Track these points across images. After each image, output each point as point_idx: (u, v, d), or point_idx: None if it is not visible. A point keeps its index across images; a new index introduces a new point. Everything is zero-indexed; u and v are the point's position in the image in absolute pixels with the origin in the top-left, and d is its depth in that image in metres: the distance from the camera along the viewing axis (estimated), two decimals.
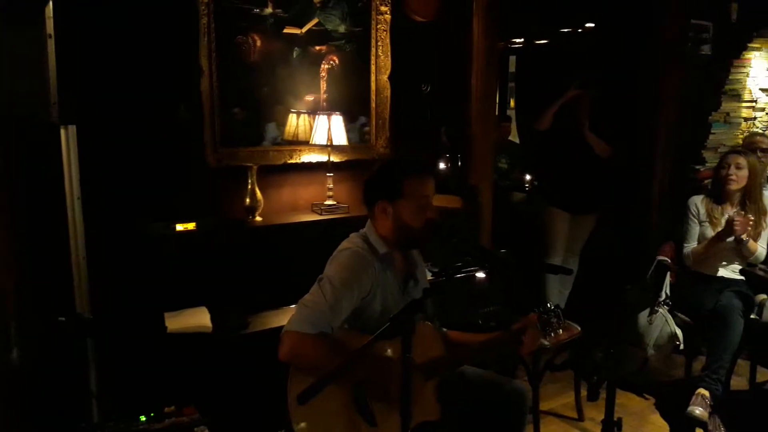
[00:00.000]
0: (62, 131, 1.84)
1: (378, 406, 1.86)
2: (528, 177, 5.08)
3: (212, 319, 2.40)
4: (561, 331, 2.08)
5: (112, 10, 2.42)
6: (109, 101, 2.41)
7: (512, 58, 6.75)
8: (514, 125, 6.21)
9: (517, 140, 5.99)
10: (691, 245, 3.44)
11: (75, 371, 1.98)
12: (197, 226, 2.52)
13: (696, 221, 3.44)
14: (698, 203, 3.46)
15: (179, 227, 2.48)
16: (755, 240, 3.30)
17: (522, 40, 6.13)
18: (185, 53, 2.62)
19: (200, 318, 2.39)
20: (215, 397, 1.98)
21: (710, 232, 3.36)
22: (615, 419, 2.05)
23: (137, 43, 2.50)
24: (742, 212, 3.24)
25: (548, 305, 2.07)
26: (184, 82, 2.64)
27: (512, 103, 6.92)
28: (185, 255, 2.48)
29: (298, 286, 2.00)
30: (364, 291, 1.96)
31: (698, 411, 2.97)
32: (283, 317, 2.53)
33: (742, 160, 3.30)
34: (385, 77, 3.19)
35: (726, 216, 3.30)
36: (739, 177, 3.30)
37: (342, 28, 3.07)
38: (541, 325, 2.04)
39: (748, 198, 3.33)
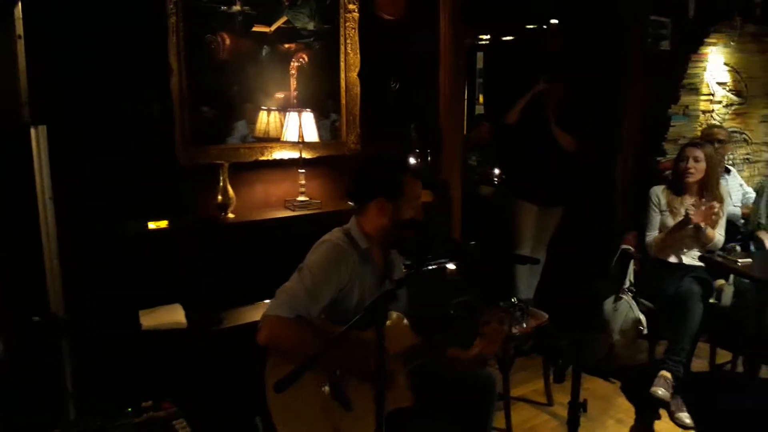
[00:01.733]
0: (33, 132, 1.84)
1: (353, 392, 1.91)
2: (497, 171, 5.17)
3: (186, 316, 2.42)
4: (525, 324, 2.15)
5: (82, 10, 2.41)
6: (80, 101, 2.41)
7: (479, 55, 6.81)
8: None
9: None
10: (653, 234, 3.56)
11: (50, 370, 1.98)
12: (170, 224, 2.54)
13: (657, 211, 3.56)
14: (659, 194, 3.58)
15: (152, 225, 2.49)
16: (713, 228, 3.43)
17: (488, 36, 6.21)
18: (154, 52, 2.63)
19: (174, 315, 2.41)
20: (192, 392, 2.00)
21: (671, 221, 3.49)
22: (581, 401, 2.14)
23: (106, 43, 2.50)
24: (702, 200, 3.37)
25: (512, 300, 2.13)
26: (154, 81, 2.64)
27: (481, 99, 6.98)
28: (158, 253, 2.49)
29: (271, 282, 2.03)
30: (342, 282, 2.00)
31: (660, 392, 3.09)
32: (257, 313, 2.54)
33: (699, 153, 3.43)
34: (354, 74, 3.23)
35: (685, 205, 3.43)
36: (697, 169, 3.43)
37: (311, 26, 3.09)
38: (506, 319, 2.10)
39: (706, 188, 3.46)
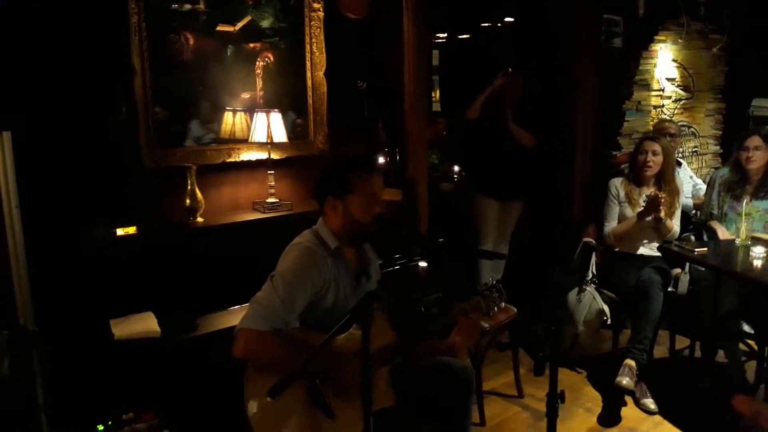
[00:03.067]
0: None
1: (334, 399, 1.90)
2: (456, 168, 5.23)
3: (160, 324, 2.36)
4: (504, 304, 2.17)
5: (43, 12, 2.32)
6: (42, 105, 2.32)
7: (435, 53, 6.87)
8: None
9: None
10: (611, 225, 3.67)
11: (21, 385, 1.90)
12: (138, 229, 2.46)
13: (616, 202, 3.67)
14: (618, 185, 3.69)
15: (120, 232, 2.41)
16: (670, 218, 3.57)
17: (445, 34, 6.27)
18: (116, 53, 2.54)
19: (147, 323, 2.34)
20: (172, 402, 1.95)
21: (629, 212, 3.60)
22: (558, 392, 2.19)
23: (67, 46, 2.41)
24: (662, 194, 3.48)
25: (490, 280, 2.16)
26: (117, 83, 2.56)
27: (436, 96, 7.03)
28: (128, 260, 2.42)
29: (244, 286, 2.01)
30: (317, 286, 1.99)
31: (625, 381, 3.18)
32: (231, 318, 2.52)
33: (657, 147, 3.56)
34: (320, 74, 3.21)
35: (644, 196, 3.55)
36: (655, 162, 3.55)
37: (275, 25, 3.06)
38: (485, 304, 2.13)
39: (663, 180, 3.59)
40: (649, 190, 3.57)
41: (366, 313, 1.64)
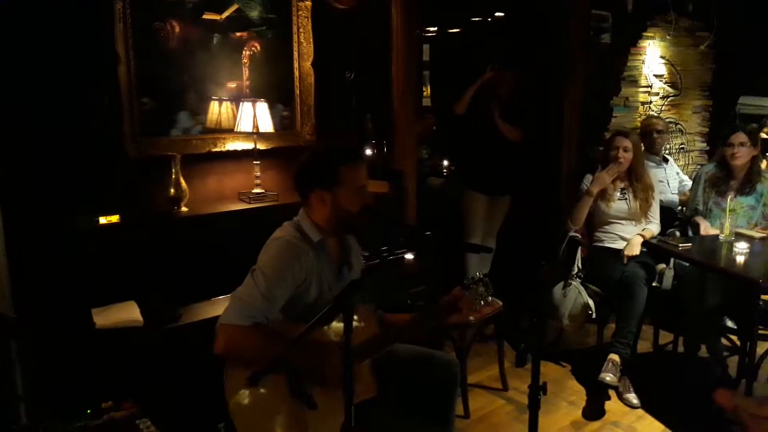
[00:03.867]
0: None
1: (316, 389, 1.89)
2: (446, 163, 5.24)
3: (142, 313, 2.34)
4: (490, 298, 2.17)
5: None
6: (23, 89, 2.29)
7: (425, 47, 6.85)
8: None
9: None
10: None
11: None
12: (121, 218, 2.44)
13: None
14: (589, 180, 3.71)
15: (103, 220, 2.39)
16: (645, 215, 3.61)
17: (435, 28, 6.26)
18: (100, 39, 2.51)
19: (129, 312, 2.32)
20: (153, 391, 1.93)
21: (603, 206, 3.63)
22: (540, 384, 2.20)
23: (50, 30, 2.37)
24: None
25: (477, 274, 2.16)
26: (101, 70, 2.53)
27: (426, 91, 7.02)
28: (110, 249, 2.40)
29: (228, 276, 2.00)
30: (298, 280, 1.97)
31: (609, 377, 3.20)
32: (214, 308, 2.50)
33: (628, 143, 3.58)
34: (308, 64, 3.18)
35: (618, 192, 3.60)
36: (626, 158, 3.58)
37: (263, 14, 3.03)
38: (469, 295, 2.12)
39: (635, 176, 3.62)
40: (621, 184, 3.60)
41: (349, 303, 1.63)
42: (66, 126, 2.42)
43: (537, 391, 2.12)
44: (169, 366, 2.21)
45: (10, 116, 2.15)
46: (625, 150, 3.57)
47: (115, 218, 2.41)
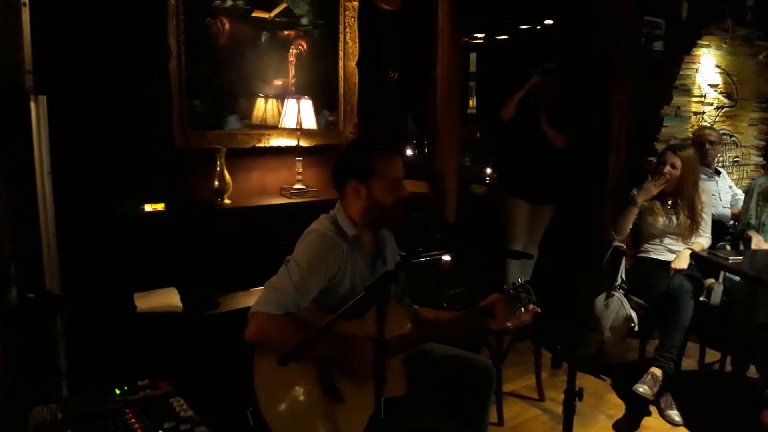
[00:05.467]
0: (32, 103, 1.81)
1: (345, 383, 1.89)
2: (489, 171, 5.21)
3: (182, 299, 2.40)
4: (531, 306, 2.13)
5: None
6: (80, 76, 2.37)
7: (473, 57, 6.83)
8: None
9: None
10: None
11: (44, 348, 1.95)
12: (166, 206, 2.51)
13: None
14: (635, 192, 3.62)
15: (148, 208, 2.46)
16: (693, 232, 3.49)
17: (483, 35, 6.24)
18: (154, 34, 2.61)
19: (170, 298, 2.38)
20: (188, 373, 1.97)
21: (650, 220, 3.53)
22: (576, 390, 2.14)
23: (108, 22, 2.47)
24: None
25: (519, 280, 2.13)
26: (153, 63, 2.62)
27: (472, 103, 6.98)
28: (154, 236, 2.47)
29: (267, 268, 2.01)
30: (332, 272, 1.97)
31: (642, 389, 3.10)
32: (252, 298, 2.51)
33: (678, 161, 3.45)
34: (353, 63, 3.22)
35: (666, 207, 3.50)
36: (672, 175, 3.46)
37: (310, 14, 3.09)
38: (510, 301, 2.10)
39: (681, 195, 3.49)
40: (669, 200, 3.49)
41: (382, 293, 1.63)
42: (118, 116, 2.51)
43: (573, 397, 2.07)
44: (205, 351, 2.26)
45: (65, 97, 2.22)
46: (673, 167, 3.46)
47: (160, 206, 2.48)
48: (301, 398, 1.87)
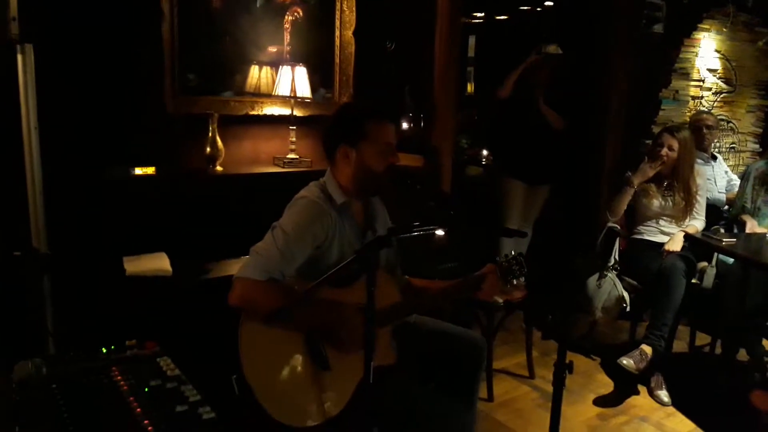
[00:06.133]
0: (19, 53, 1.76)
1: (331, 352, 1.87)
2: (485, 152, 5.18)
3: (172, 265, 2.37)
4: (523, 279, 2.12)
5: None
6: (70, 27, 2.31)
7: (471, 41, 6.75)
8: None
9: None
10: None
11: (31, 307, 1.92)
12: (157, 171, 2.47)
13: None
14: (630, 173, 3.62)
15: (138, 171, 2.42)
16: (688, 215, 3.48)
17: (482, 15, 6.17)
18: None
19: (159, 262, 2.36)
20: (175, 336, 1.95)
21: (645, 203, 3.53)
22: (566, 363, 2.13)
23: None
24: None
25: (511, 252, 2.11)
26: (145, 25, 2.57)
27: (470, 88, 6.91)
28: (144, 200, 2.44)
29: (258, 237, 1.98)
30: (319, 240, 1.94)
31: (626, 362, 3.10)
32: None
33: (675, 143, 3.44)
34: (349, 33, 3.17)
35: (661, 189, 3.49)
36: (669, 157, 3.44)
37: None
38: (502, 273, 2.08)
39: (677, 177, 3.48)
40: (663, 184, 3.48)
41: (371, 258, 1.61)
42: (108, 76, 2.46)
43: (563, 369, 2.06)
44: (194, 316, 2.23)
45: (54, 49, 2.17)
46: (670, 149, 3.44)
47: (150, 170, 2.44)
48: (287, 365, 1.85)
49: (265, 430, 1.81)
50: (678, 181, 3.48)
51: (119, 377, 1.57)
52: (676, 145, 3.44)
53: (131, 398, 1.47)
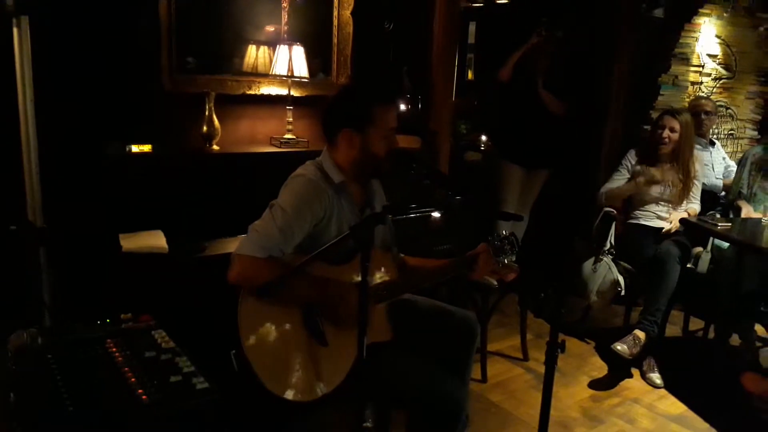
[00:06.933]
0: (14, 26, 1.75)
1: (328, 328, 1.89)
2: (484, 138, 5.16)
3: (168, 243, 2.38)
4: (514, 258, 2.13)
5: None
6: (67, 2, 2.30)
7: (472, 28, 6.69)
8: None
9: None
10: (609, 186, 3.64)
11: (27, 280, 1.93)
12: (153, 149, 2.47)
13: (626, 171, 3.62)
14: (632, 156, 3.61)
15: (135, 148, 2.42)
16: (684, 200, 3.50)
17: (482, 3, 6.13)
18: None
19: (156, 239, 2.36)
20: (171, 312, 1.96)
21: (644, 189, 3.53)
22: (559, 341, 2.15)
23: None
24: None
25: (504, 232, 2.12)
26: (142, 1, 2.55)
27: (470, 75, 6.87)
28: (140, 178, 2.44)
29: (254, 216, 1.99)
30: (317, 218, 1.94)
31: (620, 347, 3.12)
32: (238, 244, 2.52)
33: (676, 124, 3.44)
34: (347, 12, 3.15)
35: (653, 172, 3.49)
36: (671, 139, 3.45)
37: None
38: (495, 251, 2.09)
39: (677, 160, 3.48)
40: (663, 166, 3.48)
41: (366, 234, 1.61)
42: (105, 51, 2.45)
43: (555, 348, 2.08)
44: (190, 293, 2.24)
45: (50, 29, 2.15)
46: (672, 130, 3.44)
47: (147, 148, 2.44)
48: (286, 341, 1.86)
49: (263, 404, 1.83)
50: (678, 163, 3.48)
51: (114, 348, 1.59)
52: (677, 126, 3.44)
53: (126, 368, 1.49)
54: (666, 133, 3.44)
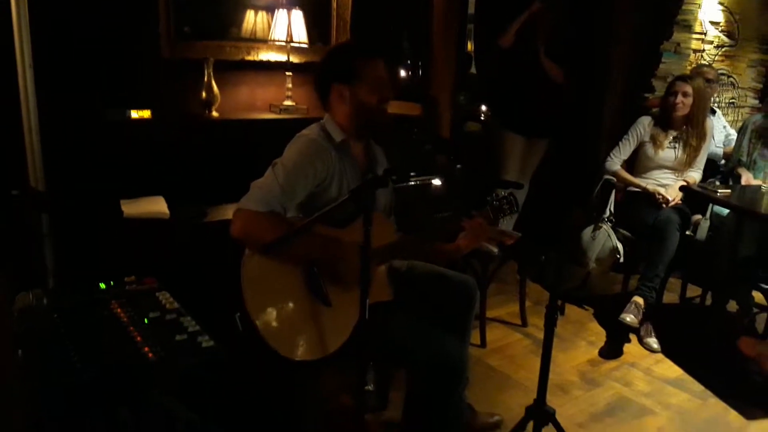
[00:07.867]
0: None
1: (331, 288, 1.90)
2: (484, 108, 5.13)
3: (169, 208, 2.39)
4: (514, 220, 2.14)
5: None
6: None
7: None
8: None
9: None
10: (617, 159, 3.61)
11: (29, 245, 1.94)
12: (152, 114, 2.46)
13: (635, 140, 3.59)
14: (646, 125, 3.59)
15: (134, 114, 2.41)
16: (690, 165, 3.49)
17: None
18: None
19: (157, 205, 2.37)
20: (175, 275, 1.98)
21: (651, 152, 3.52)
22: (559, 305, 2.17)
23: None
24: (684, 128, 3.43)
25: (501, 192, 2.12)
26: None
27: (469, 46, 6.78)
28: (140, 143, 2.43)
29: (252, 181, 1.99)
30: (320, 177, 1.96)
31: (629, 318, 3.16)
32: None
33: (689, 88, 3.42)
34: None
35: (670, 138, 3.47)
36: (685, 104, 3.43)
37: None
38: (494, 211, 2.10)
39: (691, 123, 3.47)
40: (675, 133, 3.47)
41: (367, 197, 1.62)
42: (103, 16, 2.42)
43: (555, 310, 2.10)
44: (192, 257, 2.26)
45: (51, 2, 2.14)
46: (685, 95, 3.42)
47: (146, 113, 2.43)
48: (289, 301, 1.88)
49: (268, 364, 1.86)
50: (693, 127, 3.46)
51: (119, 309, 1.61)
52: (690, 90, 3.41)
53: (131, 328, 1.51)
54: (679, 98, 3.42)
